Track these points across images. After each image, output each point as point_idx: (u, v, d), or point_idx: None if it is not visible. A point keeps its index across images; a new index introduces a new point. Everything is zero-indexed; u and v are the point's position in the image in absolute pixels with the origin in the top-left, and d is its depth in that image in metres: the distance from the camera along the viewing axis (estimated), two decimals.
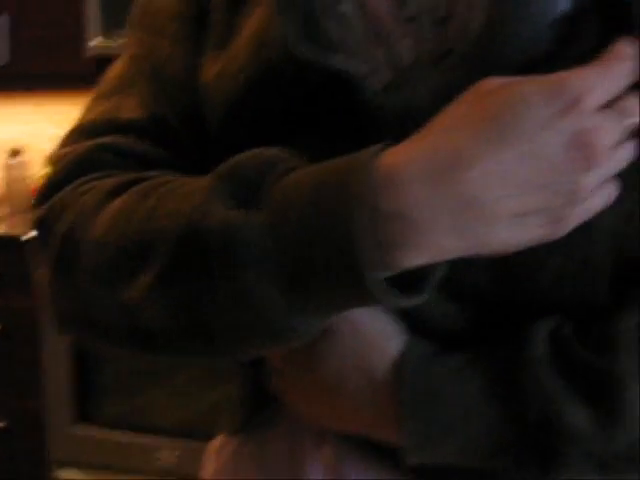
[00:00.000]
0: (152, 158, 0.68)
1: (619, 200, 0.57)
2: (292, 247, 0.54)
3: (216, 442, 0.78)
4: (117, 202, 0.62)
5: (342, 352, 0.62)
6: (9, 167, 2.88)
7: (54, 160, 0.69)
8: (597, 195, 0.56)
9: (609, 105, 0.55)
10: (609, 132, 0.55)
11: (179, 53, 0.71)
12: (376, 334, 0.61)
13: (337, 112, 0.62)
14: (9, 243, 2.50)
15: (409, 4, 0.65)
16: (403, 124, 0.58)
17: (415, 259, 0.54)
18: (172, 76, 0.70)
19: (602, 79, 0.55)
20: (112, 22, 2.48)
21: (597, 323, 0.60)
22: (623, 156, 0.56)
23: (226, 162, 0.59)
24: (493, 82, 0.56)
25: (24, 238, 2.45)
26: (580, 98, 0.54)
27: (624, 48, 0.57)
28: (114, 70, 0.74)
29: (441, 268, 0.56)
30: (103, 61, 0.90)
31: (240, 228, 0.55)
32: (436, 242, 0.53)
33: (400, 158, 0.54)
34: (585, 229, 0.57)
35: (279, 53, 0.63)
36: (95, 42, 2.53)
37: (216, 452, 0.77)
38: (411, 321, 0.62)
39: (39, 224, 0.66)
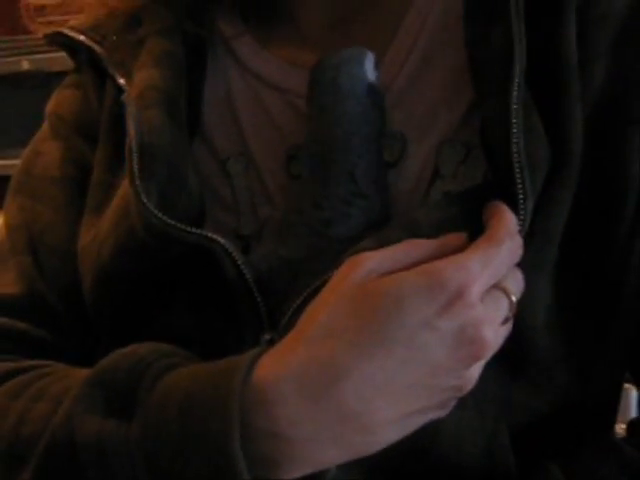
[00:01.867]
0: (31, 338, 0.65)
1: None
2: (164, 462, 0.51)
3: None
4: None
5: None
6: None
7: None
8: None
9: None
10: (495, 319, 0.52)
11: (60, 221, 0.67)
12: None
13: (203, 282, 0.59)
14: None
15: (298, 160, 0.62)
16: (267, 285, 0.57)
17: (295, 473, 0.51)
18: (52, 247, 0.67)
19: (485, 268, 0.51)
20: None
21: None
22: (504, 333, 0.53)
23: (100, 363, 0.55)
24: (366, 264, 0.52)
25: None
26: (462, 291, 0.50)
27: (506, 224, 0.53)
28: None
29: (331, 471, 0.53)
30: None
31: (114, 442, 0.52)
32: (315, 456, 0.50)
33: (273, 371, 0.50)
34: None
35: (140, 222, 0.59)
36: None
37: None
38: None
39: None
